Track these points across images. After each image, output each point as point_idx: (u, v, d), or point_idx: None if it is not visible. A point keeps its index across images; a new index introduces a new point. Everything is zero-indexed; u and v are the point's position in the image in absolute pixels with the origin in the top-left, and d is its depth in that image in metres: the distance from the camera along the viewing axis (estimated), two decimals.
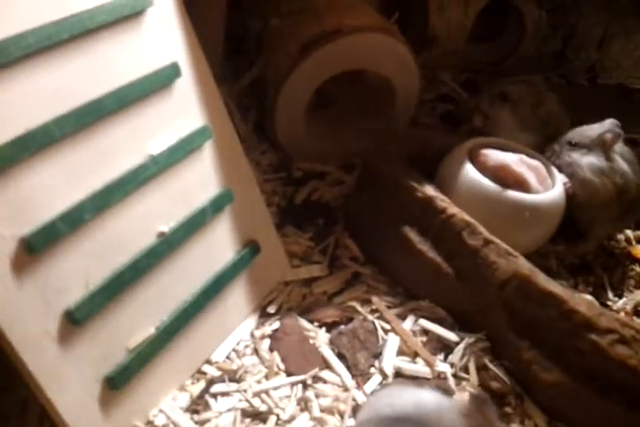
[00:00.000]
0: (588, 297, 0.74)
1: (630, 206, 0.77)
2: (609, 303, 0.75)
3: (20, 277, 0.47)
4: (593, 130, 0.77)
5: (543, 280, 0.64)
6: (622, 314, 0.74)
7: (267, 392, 0.60)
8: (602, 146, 0.75)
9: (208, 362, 0.62)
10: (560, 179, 0.76)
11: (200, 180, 0.62)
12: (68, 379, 0.50)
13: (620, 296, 0.77)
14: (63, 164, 0.50)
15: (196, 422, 0.56)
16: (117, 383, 0.52)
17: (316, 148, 0.90)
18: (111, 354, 0.53)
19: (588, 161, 0.76)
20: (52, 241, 0.48)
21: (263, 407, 0.59)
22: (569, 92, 1.20)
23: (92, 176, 0.52)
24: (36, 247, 0.47)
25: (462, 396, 0.54)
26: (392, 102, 0.90)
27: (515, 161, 0.74)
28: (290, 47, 0.83)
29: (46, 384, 0.48)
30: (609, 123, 0.77)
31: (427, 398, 0.50)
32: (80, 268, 0.50)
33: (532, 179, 0.74)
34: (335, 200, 0.85)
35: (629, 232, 0.86)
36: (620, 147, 0.77)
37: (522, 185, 0.73)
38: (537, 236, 0.76)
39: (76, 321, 0.49)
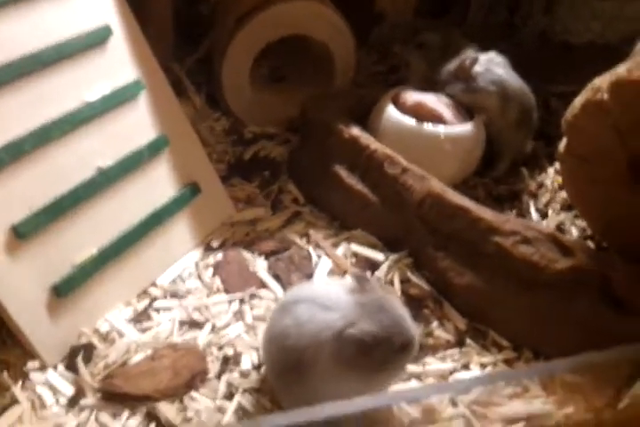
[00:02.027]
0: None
1: (521, 106, 0.84)
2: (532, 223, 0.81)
3: None
4: (452, 63, 0.83)
5: (452, 195, 0.71)
6: None
7: (206, 307, 0.68)
8: (463, 71, 0.81)
9: (153, 285, 0.70)
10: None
11: (136, 125, 0.70)
12: (17, 285, 0.58)
13: (544, 217, 0.83)
14: (7, 104, 0.59)
15: (138, 330, 0.64)
16: (62, 292, 0.60)
17: (264, 113, 0.98)
18: (57, 267, 0.61)
19: (458, 88, 0.82)
20: None
21: (201, 318, 0.66)
22: (515, 52, 1.26)
23: (31, 116, 0.61)
24: None
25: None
26: (332, 66, 0.98)
27: (430, 99, 0.81)
28: (227, 21, 0.92)
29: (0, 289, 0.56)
30: (467, 51, 0.83)
31: (320, 284, 0.56)
32: (24, 191, 0.59)
33: (446, 113, 0.80)
34: (281, 156, 0.93)
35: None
36: (492, 57, 0.84)
37: (438, 119, 0.80)
38: (460, 166, 0.82)
39: (20, 235, 0.58)
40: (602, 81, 0.61)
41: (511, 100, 0.83)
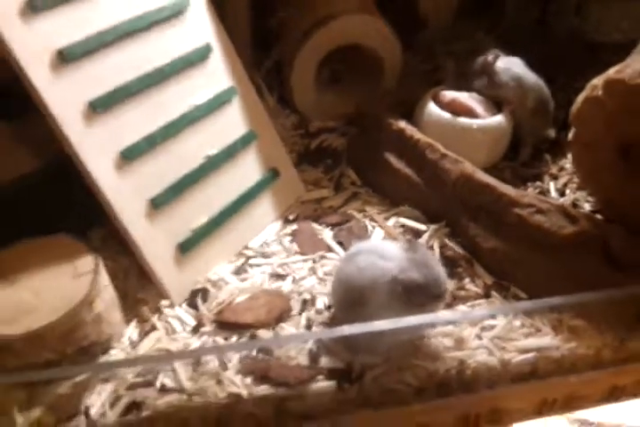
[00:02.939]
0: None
1: (537, 97, 1.00)
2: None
3: (122, 177, 0.76)
4: (478, 60, 1.00)
5: (481, 175, 0.88)
6: None
7: (287, 264, 0.87)
8: (487, 66, 0.98)
9: (247, 248, 0.90)
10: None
11: (231, 123, 0.90)
12: (154, 244, 0.79)
13: (562, 195, 0.98)
14: (141, 108, 0.79)
15: (239, 280, 0.84)
16: (184, 249, 0.81)
17: (326, 110, 1.16)
18: (180, 230, 0.81)
19: (483, 83, 0.98)
20: (138, 154, 0.77)
21: (284, 272, 0.86)
22: (546, 51, 1.40)
23: (159, 117, 0.81)
24: (129, 157, 0.76)
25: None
26: (382, 69, 1.16)
27: (464, 96, 0.98)
28: (295, 34, 1.10)
29: (143, 245, 0.77)
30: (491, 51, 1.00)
31: (378, 241, 0.75)
32: (157, 173, 0.79)
33: (478, 108, 0.97)
34: (341, 146, 1.11)
35: None
36: (512, 60, 1.00)
37: (470, 113, 0.97)
38: (489, 152, 0.99)
39: (155, 206, 0.78)
40: (598, 80, 0.77)
41: (528, 92, 0.99)
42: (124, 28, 0.77)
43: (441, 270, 0.72)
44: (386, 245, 0.75)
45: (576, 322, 0.81)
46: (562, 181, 1.01)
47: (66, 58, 0.72)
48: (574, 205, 0.97)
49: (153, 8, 0.81)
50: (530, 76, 1.01)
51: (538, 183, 1.01)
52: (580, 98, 0.79)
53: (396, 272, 0.69)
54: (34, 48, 0.71)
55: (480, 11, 1.49)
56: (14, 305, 0.67)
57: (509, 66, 0.99)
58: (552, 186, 1.00)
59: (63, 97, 0.72)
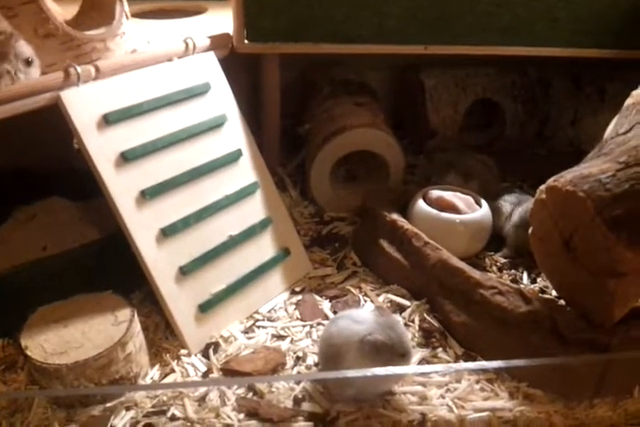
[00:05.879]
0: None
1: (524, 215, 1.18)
2: (522, 286, 1.12)
3: (160, 249, 0.98)
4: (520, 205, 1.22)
5: (455, 261, 1.05)
6: None
7: (288, 328, 1.04)
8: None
9: (257, 312, 1.08)
10: (485, 205, 1.18)
11: (253, 210, 1.12)
12: (179, 304, 0.98)
13: (533, 283, 1.13)
14: (181, 196, 1.02)
15: (246, 338, 1.01)
16: (204, 309, 1.00)
17: (339, 202, 1.38)
18: (202, 294, 1.01)
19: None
20: (175, 232, 0.99)
21: (284, 334, 1.03)
22: (545, 160, 1.59)
23: (195, 203, 1.04)
24: (167, 234, 0.98)
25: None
26: (388, 171, 1.37)
27: (448, 194, 1.18)
28: (316, 140, 1.35)
29: (170, 303, 0.97)
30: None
31: (355, 309, 0.91)
32: (188, 247, 1.01)
33: (460, 205, 1.16)
34: (348, 233, 1.31)
35: None
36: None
37: (453, 209, 1.15)
38: (469, 243, 1.16)
39: (184, 273, 0.99)
40: (544, 186, 0.95)
41: (516, 210, 1.19)
42: (172, 137, 1.02)
43: (405, 333, 0.88)
44: (361, 311, 0.92)
45: (531, 391, 0.93)
46: (537, 271, 1.16)
47: (127, 158, 0.97)
48: (542, 291, 1.11)
49: (196, 122, 1.07)
50: (522, 198, 1.22)
51: (513, 271, 1.17)
52: (532, 200, 0.97)
53: (364, 333, 0.85)
54: (104, 150, 0.95)
55: (483, 126, 1.73)
56: (66, 342, 0.87)
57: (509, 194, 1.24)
58: (525, 274, 1.15)
59: (122, 186, 0.96)
